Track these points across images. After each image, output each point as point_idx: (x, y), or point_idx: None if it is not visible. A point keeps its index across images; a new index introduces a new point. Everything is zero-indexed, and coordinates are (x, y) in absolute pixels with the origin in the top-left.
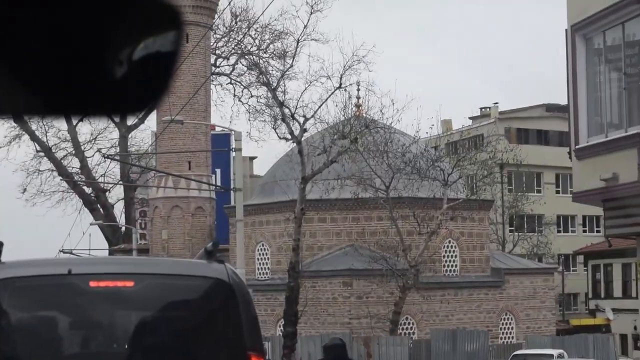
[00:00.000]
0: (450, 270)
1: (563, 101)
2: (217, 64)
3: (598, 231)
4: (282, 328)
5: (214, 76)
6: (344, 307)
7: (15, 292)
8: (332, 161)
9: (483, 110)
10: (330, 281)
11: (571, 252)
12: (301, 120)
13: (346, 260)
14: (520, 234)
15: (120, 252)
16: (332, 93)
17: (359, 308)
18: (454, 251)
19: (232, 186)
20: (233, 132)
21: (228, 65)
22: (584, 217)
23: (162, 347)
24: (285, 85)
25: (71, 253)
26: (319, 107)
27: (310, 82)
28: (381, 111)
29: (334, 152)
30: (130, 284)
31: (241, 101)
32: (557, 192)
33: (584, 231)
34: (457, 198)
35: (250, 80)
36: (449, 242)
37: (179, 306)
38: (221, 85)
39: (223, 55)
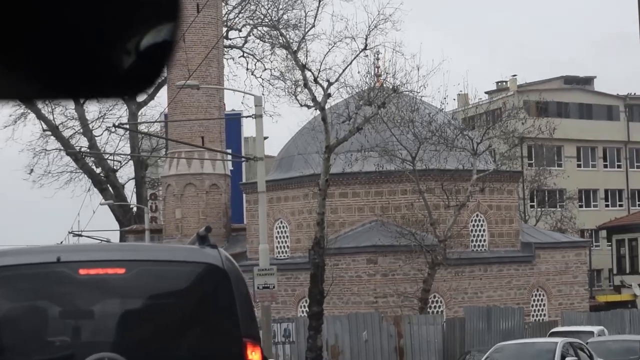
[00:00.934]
0: (478, 246)
1: (581, 73)
2: (229, 37)
3: (621, 205)
4: (305, 309)
5: (225, 49)
6: (368, 286)
7: (3, 281)
8: (358, 128)
9: (499, 84)
10: (353, 258)
11: (594, 227)
12: (324, 84)
13: (370, 236)
14: (541, 209)
15: (132, 233)
16: (357, 55)
17: (384, 286)
18: (482, 225)
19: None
20: (253, 97)
21: (240, 37)
22: (606, 191)
23: (155, 335)
24: (307, 48)
25: (80, 235)
26: (344, 70)
27: (334, 44)
28: (408, 74)
29: (359, 120)
30: (121, 271)
31: (254, 75)
32: (579, 165)
33: (607, 205)
34: (485, 169)
35: (263, 51)
36: (477, 215)
37: (171, 293)
38: (233, 59)
39: (235, 27)
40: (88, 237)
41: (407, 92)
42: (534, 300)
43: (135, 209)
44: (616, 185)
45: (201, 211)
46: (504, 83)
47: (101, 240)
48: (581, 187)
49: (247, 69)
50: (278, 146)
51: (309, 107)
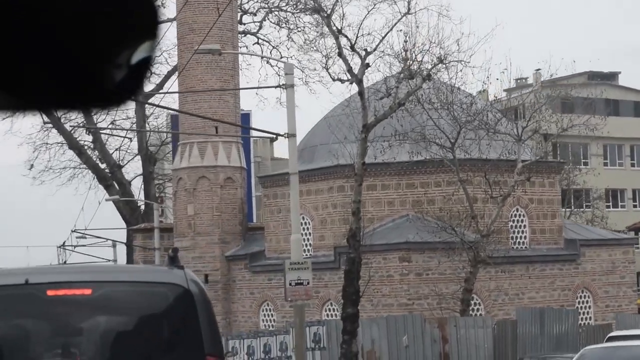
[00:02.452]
0: (519, 243)
1: (606, 68)
2: (243, 21)
3: None
4: (330, 312)
5: (239, 35)
6: (401, 286)
7: None
8: (400, 104)
9: (518, 81)
10: (384, 256)
11: (623, 228)
12: (362, 53)
13: (402, 232)
14: (567, 209)
15: (139, 231)
16: (399, 20)
17: (418, 287)
18: (522, 220)
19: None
20: (284, 64)
21: (254, 22)
22: (634, 190)
23: (121, 352)
24: (342, 10)
25: (84, 234)
26: (384, 36)
27: (374, 5)
28: (456, 42)
29: (401, 95)
30: (87, 291)
31: (269, 63)
32: (605, 164)
33: (634, 206)
34: (527, 160)
35: (280, 39)
36: (517, 210)
37: (136, 313)
38: (246, 47)
39: (249, 11)
40: (92, 235)
41: (457, 62)
42: (579, 302)
43: (143, 206)
44: None
45: (215, 207)
46: (524, 80)
47: (106, 240)
48: (608, 187)
49: (262, 57)
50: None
51: (342, 80)
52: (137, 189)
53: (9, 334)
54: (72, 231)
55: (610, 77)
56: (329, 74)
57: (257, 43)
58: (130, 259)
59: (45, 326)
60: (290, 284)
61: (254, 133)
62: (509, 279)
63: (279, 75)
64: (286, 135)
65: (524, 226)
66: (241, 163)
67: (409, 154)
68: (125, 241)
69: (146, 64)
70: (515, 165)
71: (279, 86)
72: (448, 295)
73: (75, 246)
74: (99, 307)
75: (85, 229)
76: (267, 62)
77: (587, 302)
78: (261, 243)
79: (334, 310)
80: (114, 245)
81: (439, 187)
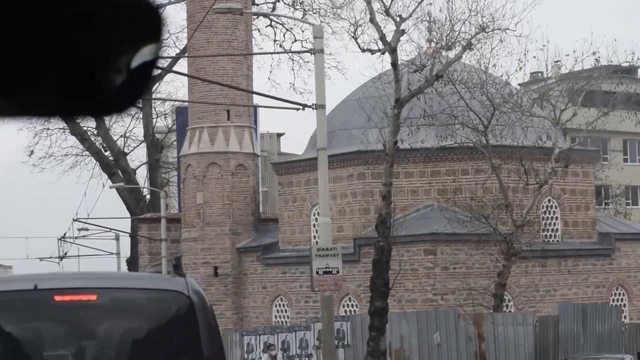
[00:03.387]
0: (550, 236)
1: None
2: (256, 2)
3: None
4: (349, 308)
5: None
6: (426, 280)
7: None
8: (437, 76)
9: (533, 75)
10: (407, 249)
11: None
12: (397, 19)
13: (427, 223)
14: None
15: (145, 221)
16: None
17: (445, 281)
18: (554, 212)
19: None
20: (311, 27)
21: (267, 2)
22: None
23: (125, 357)
24: None
25: (86, 223)
26: (421, 1)
27: None
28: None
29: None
30: (93, 297)
31: (282, 47)
32: (625, 160)
33: None
34: (563, 147)
35: (293, 22)
36: (549, 201)
37: (139, 318)
38: (259, 31)
39: None
40: (95, 225)
41: (500, 30)
42: (614, 300)
43: (148, 196)
44: None
45: (226, 195)
46: (539, 74)
47: (110, 230)
48: (628, 184)
49: (275, 41)
50: (298, 141)
51: (372, 51)
52: (142, 178)
53: (19, 335)
54: (73, 220)
55: (629, 71)
56: (358, 44)
57: (270, 25)
58: (134, 251)
59: (52, 329)
60: (317, 273)
61: (263, 128)
62: (541, 274)
63: (292, 60)
64: (314, 107)
65: (556, 218)
66: (254, 149)
67: (437, 138)
68: (129, 232)
69: (149, 69)
70: (551, 152)
71: (308, 51)
72: (480, 290)
73: (76, 237)
74: (104, 312)
75: (87, 218)
76: (280, 45)
77: (621, 299)
78: (274, 234)
79: (353, 306)
80: (117, 238)
81: (467, 175)
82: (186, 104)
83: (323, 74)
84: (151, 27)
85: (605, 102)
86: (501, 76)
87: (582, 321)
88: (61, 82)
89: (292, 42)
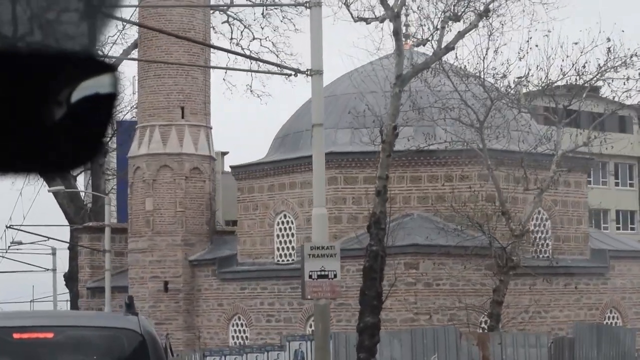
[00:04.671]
0: (540, 251)
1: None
2: None
3: (633, 228)
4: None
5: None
6: (405, 298)
7: None
8: (448, 48)
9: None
10: (386, 262)
11: None
12: None
13: (408, 233)
14: None
15: (86, 231)
16: None
17: (426, 299)
18: (544, 226)
19: None
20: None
21: None
22: (617, 212)
23: None
24: None
25: (20, 229)
26: None
27: None
28: None
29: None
30: (50, 335)
31: (240, 45)
32: (617, 184)
33: (617, 228)
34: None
35: (254, 17)
36: (539, 213)
37: (94, 355)
38: (213, 29)
39: None
40: (29, 232)
41: None
42: (607, 324)
43: (90, 204)
44: (628, 206)
45: (179, 202)
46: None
47: (47, 238)
48: (618, 208)
49: (232, 39)
50: (243, 159)
51: (368, 20)
52: (83, 186)
53: None
54: (7, 227)
55: (591, 89)
56: (350, 13)
57: (227, 22)
58: (73, 265)
59: None
60: (310, 277)
61: (217, 148)
62: (530, 293)
63: (250, 60)
64: (309, 72)
65: (546, 232)
66: (210, 152)
67: (418, 139)
68: (68, 242)
69: (103, 129)
70: (549, 159)
71: (302, 4)
72: (474, 308)
73: (9, 246)
74: (60, 349)
75: (22, 225)
76: (237, 44)
77: (615, 323)
78: (232, 246)
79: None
80: (53, 253)
81: (451, 182)
82: (127, 116)
83: (320, 33)
84: (105, 85)
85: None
86: (502, 64)
87: (597, 342)
88: (11, 140)
89: (251, 41)
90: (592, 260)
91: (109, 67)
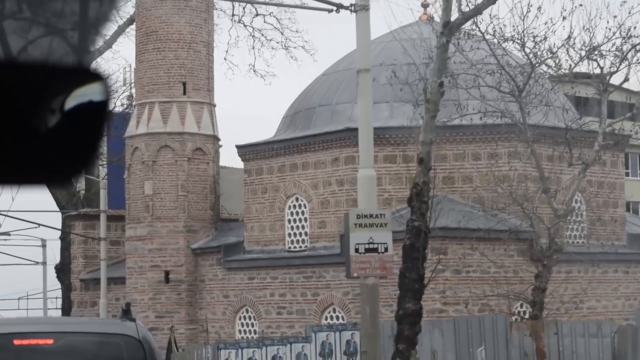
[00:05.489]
0: (575, 236)
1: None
2: None
3: None
4: (336, 320)
5: None
6: (432, 287)
7: None
8: None
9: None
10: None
11: None
12: None
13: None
14: None
15: (79, 218)
16: None
17: (455, 287)
18: (579, 208)
19: None
20: None
21: None
22: None
23: None
24: None
25: (7, 215)
26: None
27: None
28: None
29: None
30: (50, 341)
31: (242, 22)
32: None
33: None
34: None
35: None
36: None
37: None
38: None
39: None
40: (16, 217)
41: None
42: None
43: (82, 192)
44: None
45: (180, 185)
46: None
47: (39, 225)
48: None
49: (233, 16)
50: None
51: None
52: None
53: None
54: None
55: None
56: None
57: None
58: (66, 255)
59: None
60: (356, 250)
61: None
62: (565, 281)
63: (253, 37)
64: (354, 8)
65: (581, 215)
66: (214, 131)
67: (455, 109)
68: (60, 235)
69: (96, 141)
70: (589, 135)
71: None
72: (514, 296)
73: None
74: (60, 355)
75: (9, 210)
76: (239, 21)
77: None
78: (239, 232)
79: (338, 318)
80: (43, 245)
81: (478, 160)
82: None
83: None
84: (97, 94)
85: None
86: (545, 24)
87: None
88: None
89: (254, 17)
90: (630, 246)
91: (100, 77)
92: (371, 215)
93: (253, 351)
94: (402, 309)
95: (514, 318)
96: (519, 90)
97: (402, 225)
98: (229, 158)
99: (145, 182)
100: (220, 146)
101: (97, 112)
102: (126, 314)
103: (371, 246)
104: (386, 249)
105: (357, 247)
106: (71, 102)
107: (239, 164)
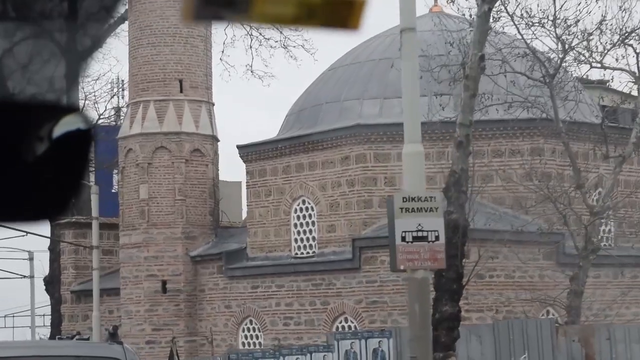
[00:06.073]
0: (602, 238)
1: None
2: None
3: None
4: (355, 328)
5: None
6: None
7: None
8: None
9: None
10: None
11: None
12: None
13: None
14: None
15: (70, 227)
16: None
17: (478, 294)
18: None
19: None
20: None
21: None
22: None
23: None
24: None
25: None
26: None
27: None
28: None
29: None
30: None
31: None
32: None
33: None
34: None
35: None
36: (599, 193)
37: None
38: None
39: None
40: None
41: None
42: None
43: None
44: None
45: (178, 189)
46: None
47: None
48: None
49: None
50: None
51: None
52: None
53: None
54: None
55: None
56: None
57: None
58: (55, 266)
59: None
60: (403, 239)
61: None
62: (594, 287)
63: (250, 36)
64: None
65: (608, 216)
66: (213, 131)
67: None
68: (48, 245)
69: (77, 182)
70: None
71: None
72: (550, 301)
73: None
74: None
75: None
76: None
77: None
78: (241, 238)
79: (350, 329)
80: (31, 258)
81: (499, 157)
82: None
83: None
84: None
85: None
86: (578, 4)
87: None
88: None
89: None
90: None
91: (83, 115)
92: (419, 199)
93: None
94: (439, 312)
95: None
96: (550, 77)
97: None
98: (226, 163)
99: (140, 185)
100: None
101: (80, 150)
102: (113, 337)
103: (420, 234)
104: (437, 237)
105: (403, 235)
106: (53, 138)
107: (235, 170)
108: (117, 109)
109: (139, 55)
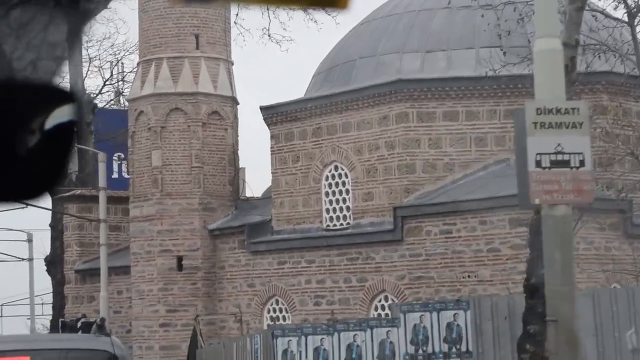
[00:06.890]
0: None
1: None
2: None
3: None
4: (381, 311)
5: None
6: (511, 265)
7: None
8: None
9: None
10: (482, 218)
11: None
12: None
13: (506, 184)
14: None
15: (73, 200)
16: None
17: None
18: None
19: None
20: None
21: None
22: None
23: None
24: None
25: None
26: None
27: None
28: None
29: None
30: (26, 359)
31: None
32: None
33: None
34: None
35: None
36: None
37: None
38: None
39: None
40: None
41: None
42: None
43: (75, 172)
44: None
45: (195, 155)
46: None
47: (27, 205)
48: None
49: None
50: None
51: None
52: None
53: None
54: None
55: None
56: None
57: None
58: (57, 245)
59: None
60: (537, 164)
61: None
62: None
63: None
64: None
65: None
66: (232, 92)
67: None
68: (50, 222)
69: (64, 162)
70: None
71: None
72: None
73: None
74: None
75: None
76: None
77: None
78: (264, 210)
79: (391, 308)
80: (29, 240)
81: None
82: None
83: None
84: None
85: None
86: None
87: None
88: None
89: None
90: None
91: (71, 96)
92: (558, 110)
93: (321, 339)
94: (535, 276)
95: None
96: (630, 15)
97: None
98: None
99: (152, 151)
100: (238, 103)
101: (66, 129)
102: (101, 329)
103: (560, 157)
104: (582, 162)
105: (538, 159)
106: (41, 120)
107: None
108: (118, 93)
109: (150, 8)
